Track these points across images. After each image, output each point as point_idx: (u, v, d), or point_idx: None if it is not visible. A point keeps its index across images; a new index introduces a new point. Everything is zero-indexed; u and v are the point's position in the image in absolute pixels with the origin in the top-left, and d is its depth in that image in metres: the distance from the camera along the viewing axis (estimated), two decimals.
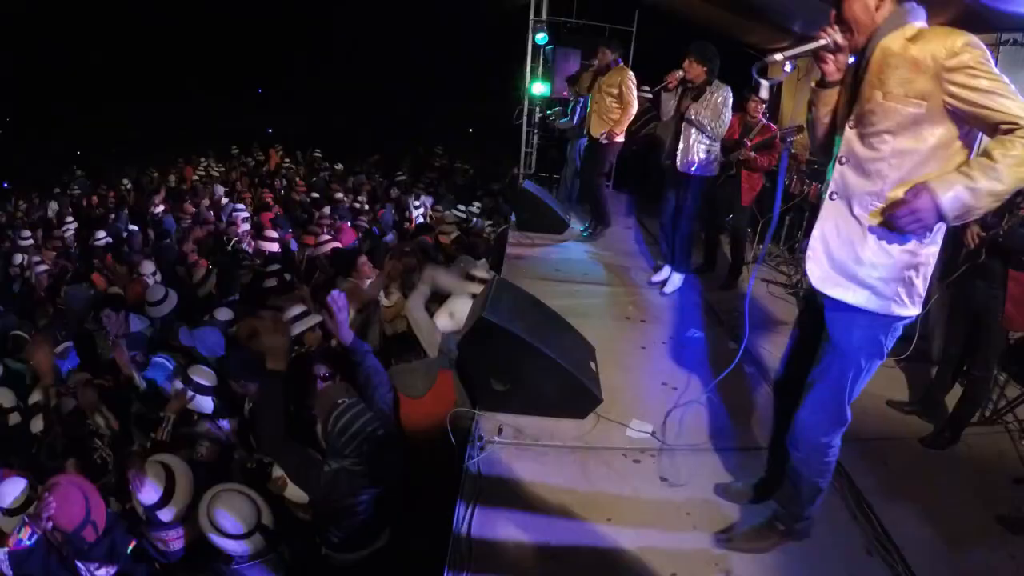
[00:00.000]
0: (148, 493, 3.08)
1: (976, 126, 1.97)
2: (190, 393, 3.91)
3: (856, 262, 2.18)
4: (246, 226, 8.98)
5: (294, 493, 3.25)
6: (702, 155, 5.08)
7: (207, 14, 24.58)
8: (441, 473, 3.28)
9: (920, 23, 2.05)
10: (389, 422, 3.31)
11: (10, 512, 3.11)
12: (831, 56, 2.22)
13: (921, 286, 2.20)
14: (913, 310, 2.20)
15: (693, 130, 5.04)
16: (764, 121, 5.82)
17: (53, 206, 11.91)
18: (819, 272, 2.28)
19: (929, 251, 2.17)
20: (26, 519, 2.87)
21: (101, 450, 3.84)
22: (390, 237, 8.35)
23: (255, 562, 2.96)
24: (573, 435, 3.47)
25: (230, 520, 2.94)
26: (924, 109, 1.98)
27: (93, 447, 3.84)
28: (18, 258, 8.57)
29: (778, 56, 2.22)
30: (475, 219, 9.57)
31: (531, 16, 8.92)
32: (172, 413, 3.78)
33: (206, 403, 3.99)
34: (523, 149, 9.81)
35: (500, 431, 3.42)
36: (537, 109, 9.79)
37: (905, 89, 1.99)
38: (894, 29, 2.05)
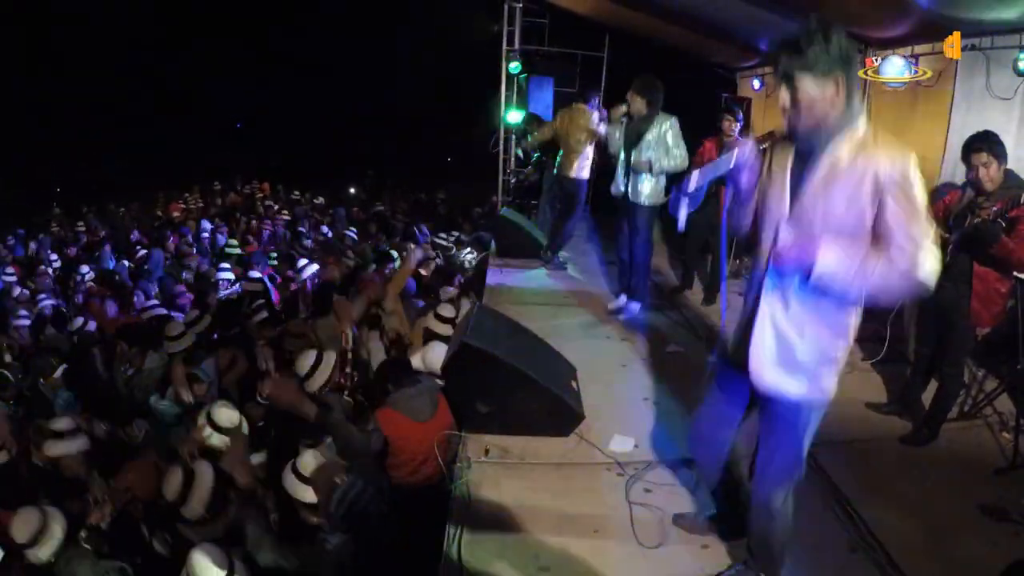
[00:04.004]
0: None
1: (881, 235, 1.97)
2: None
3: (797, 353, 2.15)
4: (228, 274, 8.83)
5: (304, 494, 3.20)
6: (653, 185, 5.18)
7: (182, 49, 24.76)
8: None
9: (861, 125, 2.00)
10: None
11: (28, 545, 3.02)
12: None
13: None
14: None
15: (643, 164, 5.14)
16: (739, 139, 5.92)
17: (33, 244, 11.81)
18: (761, 367, 2.19)
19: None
20: None
21: None
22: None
23: None
24: (557, 452, 3.51)
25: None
26: (863, 223, 1.98)
27: None
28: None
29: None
30: (463, 250, 9.57)
31: (504, 45, 9.06)
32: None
33: None
34: (500, 177, 9.87)
35: (487, 451, 3.46)
36: (513, 160, 9.90)
37: (847, 205, 1.97)
38: (840, 132, 1.99)
